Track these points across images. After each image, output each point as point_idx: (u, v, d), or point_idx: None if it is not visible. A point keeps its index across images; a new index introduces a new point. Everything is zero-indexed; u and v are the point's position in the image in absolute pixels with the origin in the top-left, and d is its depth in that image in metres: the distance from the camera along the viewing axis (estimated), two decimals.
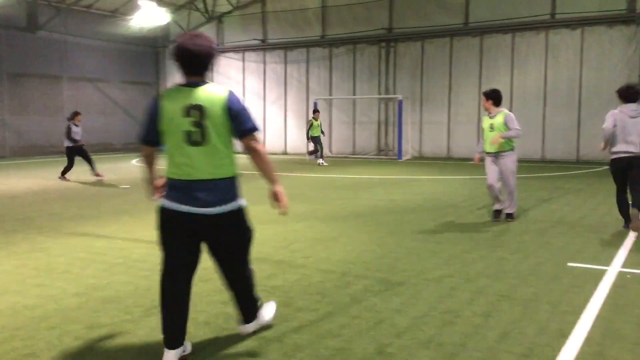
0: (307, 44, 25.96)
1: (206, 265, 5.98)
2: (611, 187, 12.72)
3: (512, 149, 8.49)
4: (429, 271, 5.79)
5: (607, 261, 6.15)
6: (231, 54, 27.99)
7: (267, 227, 8.18)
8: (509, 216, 8.70)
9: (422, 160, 22.26)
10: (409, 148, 23.60)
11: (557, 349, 3.82)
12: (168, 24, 28.37)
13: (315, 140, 19.80)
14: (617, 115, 7.67)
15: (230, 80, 28.03)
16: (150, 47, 29.97)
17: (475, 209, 9.83)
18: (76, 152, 14.99)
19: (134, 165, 20.30)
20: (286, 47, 26.48)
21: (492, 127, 8.48)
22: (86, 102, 27.24)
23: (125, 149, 28.60)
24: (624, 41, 19.94)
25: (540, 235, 7.61)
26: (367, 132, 25.27)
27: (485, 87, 22.10)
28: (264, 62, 27.25)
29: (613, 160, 7.83)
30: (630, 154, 7.57)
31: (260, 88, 27.47)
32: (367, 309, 4.65)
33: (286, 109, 26.88)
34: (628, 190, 7.73)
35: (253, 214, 9.20)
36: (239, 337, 4.04)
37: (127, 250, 6.81)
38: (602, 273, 5.68)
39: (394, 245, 7.02)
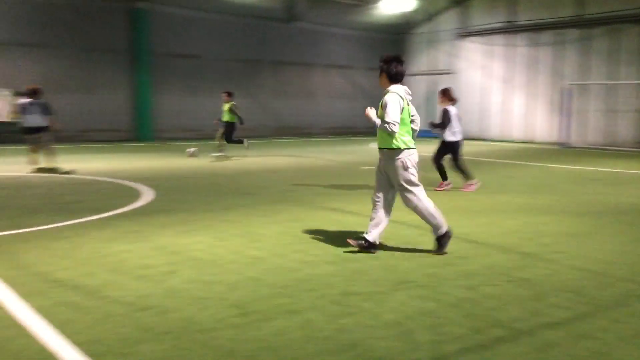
0: (560, 25, 24.09)
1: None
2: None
3: (396, 147, 5.64)
4: None
5: None
6: (476, 38, 27.28)
7: (512, 218, 7.89)
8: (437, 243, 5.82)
9: None
10: None
11: None
12: (411, 11, 28.69)
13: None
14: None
15: (475, 65, 27.37)
16: (392, 34, 30.65)
17: None
18: (450, 149, 10.36)
19: (371, 148, 21.12)
20: (536, 29, 24.92)
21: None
22: (333, 87, 29.15)
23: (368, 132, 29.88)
24: None
25: None
26: (627, 121, 22.69)
27: None
28: (512, 46, 25.99)
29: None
30: None
31: (506, 73, 26.37)
32: (631, 314, 4.20)
33: (534, 94, 25.38)
34: None
35: (495, 204, 8.94)
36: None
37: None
38: None
39: None
